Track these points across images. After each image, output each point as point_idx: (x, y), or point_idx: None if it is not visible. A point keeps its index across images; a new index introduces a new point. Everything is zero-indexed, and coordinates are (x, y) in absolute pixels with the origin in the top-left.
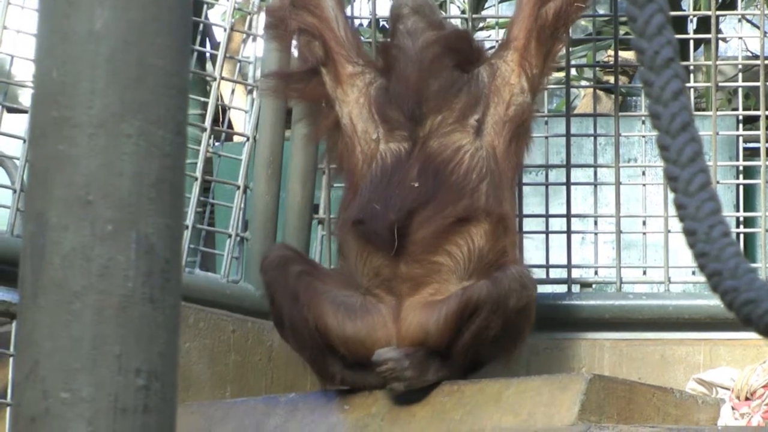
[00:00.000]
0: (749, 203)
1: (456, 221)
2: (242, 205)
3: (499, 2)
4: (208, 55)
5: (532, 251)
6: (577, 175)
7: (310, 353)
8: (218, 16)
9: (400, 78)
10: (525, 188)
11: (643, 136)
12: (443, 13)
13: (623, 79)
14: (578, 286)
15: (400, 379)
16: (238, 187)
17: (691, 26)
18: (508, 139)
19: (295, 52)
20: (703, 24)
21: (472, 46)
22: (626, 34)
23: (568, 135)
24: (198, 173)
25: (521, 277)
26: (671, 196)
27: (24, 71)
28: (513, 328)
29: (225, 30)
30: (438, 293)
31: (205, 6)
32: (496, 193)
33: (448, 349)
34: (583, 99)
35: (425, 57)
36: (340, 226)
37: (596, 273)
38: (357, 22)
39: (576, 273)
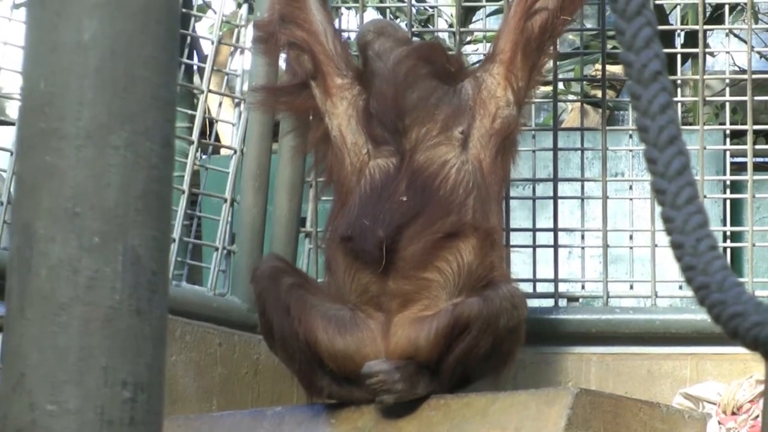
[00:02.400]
0: (736, 218)
1: (444, 237)
2: (229, 218)
3: (487, 16)
4: (195, 67)
5: (519, 265)
6: (564, 189)
7: (298, 366)
8: (206, 29)
9: (378, 97)
10: (512, 202)
11: (631, 151)
12: (431, 26)
13: (611, 94)
14: (565, 300)
15: (391, 391)
16: (225, 200)
17: (679, 40)
18: (495, 152)
19: (283, 66)
20: (691, 38)
21: (447, 55)
22: (614, 48)
23: (555, 149)
24: (185, 186)
25: (512, 297)
26: (658, 210)
27: (11, 83)
28: (502, 348)
29: (212, 43)
30: (427, 309)
31: (192, 19)
32: (483, 208)
33: (437, 365)
34: (571, 113)
35: (399, 72)
36: (328, 241)
37: (583, 287)
38: (344, 35)
39: (563, 287)
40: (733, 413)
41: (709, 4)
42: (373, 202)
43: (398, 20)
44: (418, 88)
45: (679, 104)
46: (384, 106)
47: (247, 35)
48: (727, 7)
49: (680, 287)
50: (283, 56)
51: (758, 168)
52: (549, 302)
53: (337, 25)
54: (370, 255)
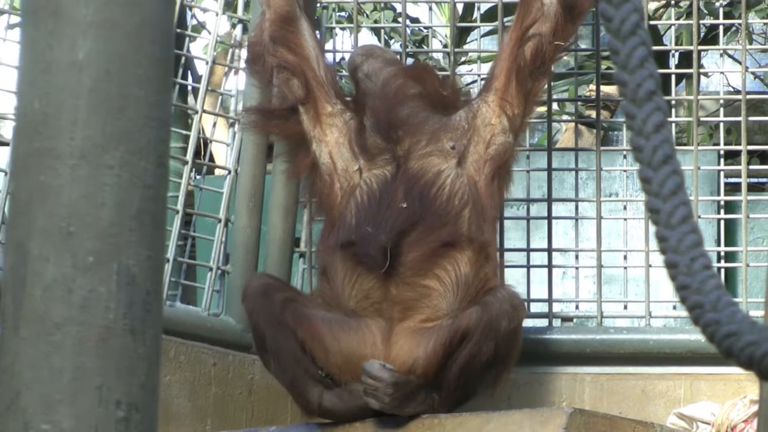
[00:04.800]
0: (730, 238)
1: (442, 245)
2: (223, 239)
3: (482, 36)
4: (189, 88)
5: (514, 285)
6: (558, 209)
7: (291, 377)
8: (200, 49)
9: (371, 112)
10: (506, 222)
11: (625, 171)
12: (425, 47)
13: (605, 114)
14: (559, 321)
15: (378, 399)
16: (220, 220)
17: (673, 61)
18: (490, 178)
19: (275, 88)
20: (685, 59)
21: (438, 78)
22: (608, 68)
23: (549, 169)
24: (179, 206)
25: (511, 298)
26: (652, 230)
27: (6, 103)
28: (503, 351)
29: (207, 63)
30: (429, 320)
31: (187, 39)
32: (477, 221)
33: (438, 379)
34: (565, 133)
35: (389, 90)
36: (325, 249)
37: (577, 307)
38: (339, 56)
39: (557, 307)
40: None
41: (704, 25)
42: (374, 209)
43: (393, 41)
44: (408, 106)
45: (674, 125)
46: (377, 119)
47: (242, 55)
48: (721, 28)
49: (674, 307)
50: (273, 79)
51: (752, 188)
52: (543, 322)
53: (331, 46)
54: (374, 260)
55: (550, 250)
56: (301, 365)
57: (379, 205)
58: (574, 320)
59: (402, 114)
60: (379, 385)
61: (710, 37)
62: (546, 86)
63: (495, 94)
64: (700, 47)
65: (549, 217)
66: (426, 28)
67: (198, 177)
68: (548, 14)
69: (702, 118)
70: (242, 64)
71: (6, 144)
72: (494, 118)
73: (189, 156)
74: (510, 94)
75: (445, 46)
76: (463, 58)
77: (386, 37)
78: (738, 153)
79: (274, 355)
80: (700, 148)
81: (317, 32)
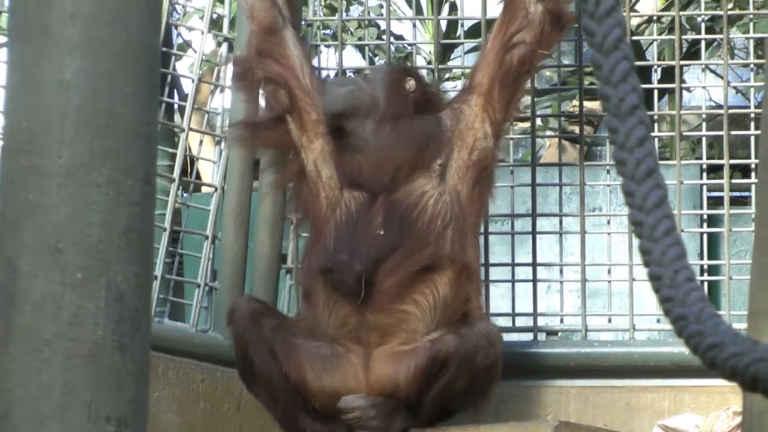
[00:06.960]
0: (713, 251)
1: (421, 270)
2: (211, 255)
3: (465, 53)
4: (176, 106)
5: (498, 300)
6: (542, 224)
7: (282, 406)
8: (186, 67)
9: (356, 165)
10: (491, 237)
11: (608, 186)
12: (410, 63)
13: (588, 129)
14: (544, 334)
15: (366, 428)
16: (207, 237)
17: (656, 76)
18: (472, 184)
19: (262, 102)
20: (668, 74)
21: (419, 79)
22: (591, 84)
23: (533, 184)
24: (167, 223)
25: (488, 334)
26: (636, 244)
27: None
28: (480, 384)
29: (193, 81)
30: (405, 343)
31: (173, 57)
32: (460, 239)
33: (417, 401)
34: (549, 149)
35: (382, 140)
36: (306, 272)
37: (562, 321)
38: (324, 73)
39: (542, 321)
40: None
41: (686, 40)
42: (350, 235)
43: (377, 58)
44: (396, 149)
45: (656, 139)
46: (361, 173)
47: (227, 73)
48: (703, 43)
49: (658, 320)
50: (261, 92)
51: (735, 202)
52: (528, 336)
53: (315, 63)
54: (349, 288)
55: (534, 265)
56: (291, 394)
57: (354, 230)
58: (559, 334)
59: (390, 160)
60: (360, 414)
61: (692, 52)
62: (527, 97)
63: (479, 98)
64: (682, 62)
65: (533, 232)
66: (410, 45)
67: (185, 194)
68: (533, 22)
69: (684, 133)
70: (228, 82)
71: None
72: (477, 122)
73: (176, 174)
74: (494, 98)
75: (429, 62)
76: (447, 75)
77: (371, 54)
78: (720, 167)
79: (266, 382)
80: (682, 162)
81: (303, 41)
